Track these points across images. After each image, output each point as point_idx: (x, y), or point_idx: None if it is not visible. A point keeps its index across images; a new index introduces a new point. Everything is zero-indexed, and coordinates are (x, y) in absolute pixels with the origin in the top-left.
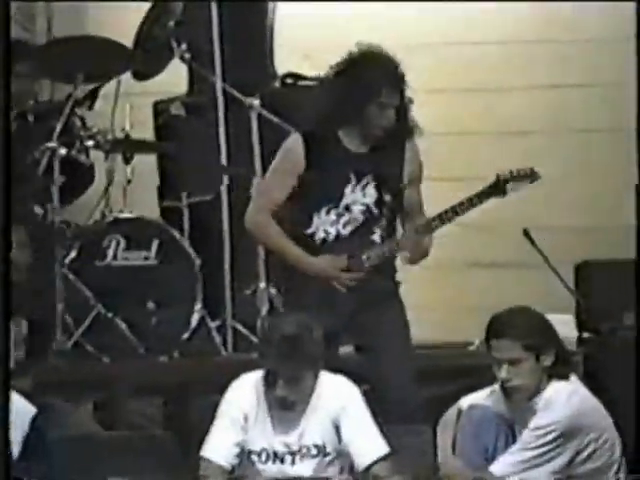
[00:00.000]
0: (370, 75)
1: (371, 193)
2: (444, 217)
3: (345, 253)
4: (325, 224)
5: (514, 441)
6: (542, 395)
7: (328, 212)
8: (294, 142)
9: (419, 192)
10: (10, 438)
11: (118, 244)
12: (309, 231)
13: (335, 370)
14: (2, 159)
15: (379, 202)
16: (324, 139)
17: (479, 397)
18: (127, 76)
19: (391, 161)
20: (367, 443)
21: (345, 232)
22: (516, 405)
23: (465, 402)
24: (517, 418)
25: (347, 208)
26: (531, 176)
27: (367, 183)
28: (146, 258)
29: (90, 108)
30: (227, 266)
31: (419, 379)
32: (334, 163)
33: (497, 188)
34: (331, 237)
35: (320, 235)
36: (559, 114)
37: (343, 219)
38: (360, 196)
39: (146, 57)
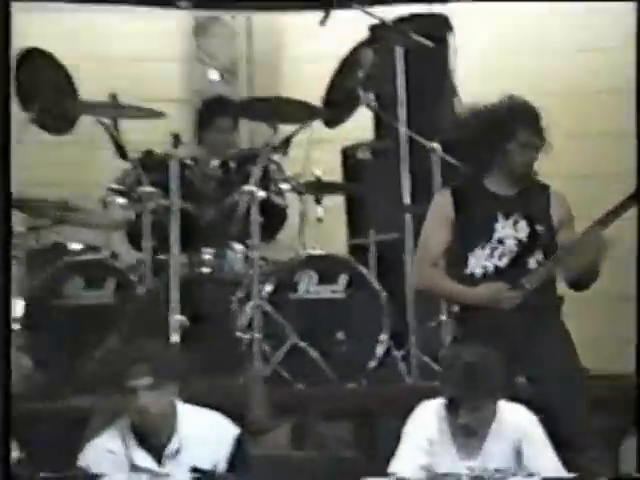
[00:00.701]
0: (507, 115)
1: (522, 227)
2: (604, 220)
3: (505, 282)
4: (481, 259)
5: None
6: None
7: (483, 247)
8: (443, 197)
9: (573, 232)
10: (9, 439)
11: (310, 279)
12: (468, 271)
13: (511, 399)
14: (2, 160)
15: (532, 234)
16: (471, 190)
17: None
18: (319, 124)
19: (538, 202)
20: (549, 469)
21: (502, 264)
22: None
23: None
24: None
25: (500, 241)
26: None
27: (517, 220)
28: (335, 292)
29: (285, 154)
30: (410, 299)
31: (593, 408)
32: (482, 208)
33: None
34: (490, 270)
35: (479, 271)
36: None
37: (498, 252)
38: (512, 231)
39: (336, 106)
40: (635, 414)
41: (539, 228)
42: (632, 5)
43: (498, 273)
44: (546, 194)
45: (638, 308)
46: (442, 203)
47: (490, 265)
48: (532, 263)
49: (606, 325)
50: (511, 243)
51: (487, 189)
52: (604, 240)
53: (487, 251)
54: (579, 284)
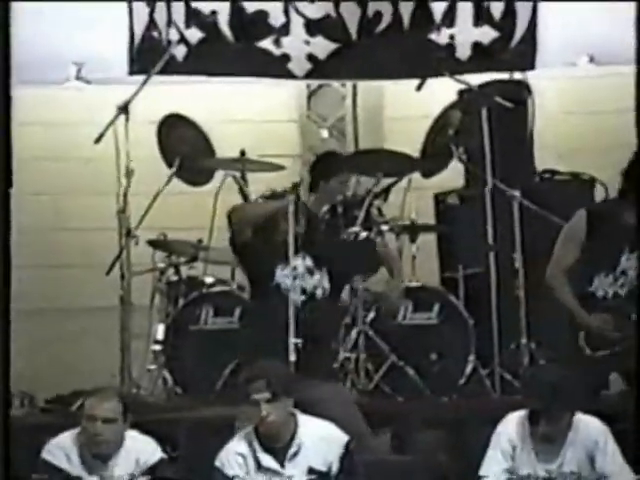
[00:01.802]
0: None
1: None
2: None
3: (621, 310)
4: (604, 285)
5: None
6: None
7: (607, 275)
8: (580, 218)
9: None
10: (8, 439)
11: (407, 308)
12: (591, 289)
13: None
14: (2, 161)
15: None
16: (607, 216)
17: None
18: (416, 175)
19: None
20: (618, 473)
21: (622, 292)
22: None
23: None
24: None
25: (623, 272)
26: None
27: None
28: (429, 318)
29: (385, 200)
30: (495, 325)
31: None
32: (612, 235)
33: None
34: (610, 295)
35: (600, 293)
36: None
37: (620, 281)
38: (634, 263)
39: (431, 160)
40: (635, 414)
41: None
42: (633, 3)
43: (616, 299)
44: None
45: (638, 307)
46: (578, 223)
47: (611, 291)
48: None
49: None
50: (633, 274)
51: (621, 216)
52: None
53: (610, 279)
54: None
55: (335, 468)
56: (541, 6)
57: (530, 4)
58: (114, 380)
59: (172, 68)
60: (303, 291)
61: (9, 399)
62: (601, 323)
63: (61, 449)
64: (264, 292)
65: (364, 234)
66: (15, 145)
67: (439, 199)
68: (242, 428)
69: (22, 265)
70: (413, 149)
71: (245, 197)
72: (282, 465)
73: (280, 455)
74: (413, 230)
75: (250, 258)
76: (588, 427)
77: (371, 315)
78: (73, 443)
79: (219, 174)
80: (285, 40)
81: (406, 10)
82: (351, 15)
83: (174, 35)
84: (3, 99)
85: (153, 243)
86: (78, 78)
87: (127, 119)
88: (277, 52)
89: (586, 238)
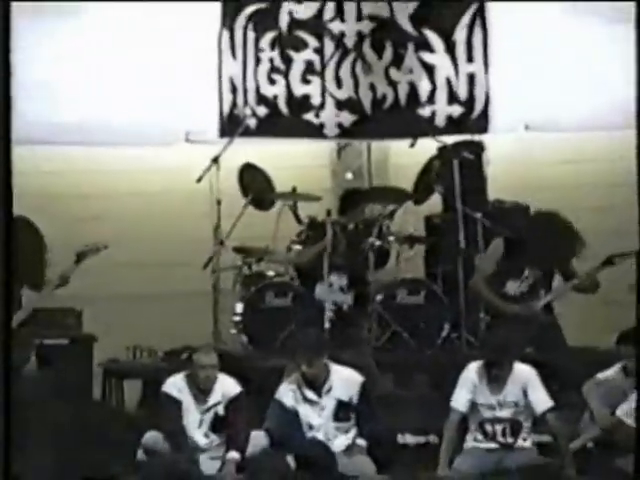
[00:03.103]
0: None
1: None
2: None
3: (524, 301)
4: (513, 287)
5: None
6: None
7: (514, 281)
8: (498, 243)
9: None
10: (10, 439)
11: (404, 292)
12: (504, 290)
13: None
14: (3, 162)
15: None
16: (517, 242)
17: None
18: (410, 203)
19: None
20: (542, 401)
21: (524, 291)
22: None
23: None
24: None
25: (526, 278)
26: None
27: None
28: (418, 300)
29: (391, 219)
30: (462, 304)
31: None
32: (519, 255)
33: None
34: (517, 293)
35: (510, 292)
36: None
37: (523, 284)
38: (532, 273)
39: (421, 193)
40: (635, 415)
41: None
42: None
43: (521, 295)
44: None
45: (638, 308)
46: (495, 247)
47: (518, 291)
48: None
49: None
50: (531, 281)
51: (529, 245)
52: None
53: (517, 283)
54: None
55: (355, 399)
56: (492, 88)
57: (484, 91)
58: (208, 338)
59: (247, 133)
60: (341, 289)
61: (9, 399)
62: (511, 309)
63: (175, 385)
64: (309, 284)
65: (378, 243)
66: (152, 179)
67: (427, 219)
68: (291, 373)
69: (141, 263)
70: (408, 186)
71: (297, 218)
72: (320, 397)
73: (318, 390)
74: (411, 240)
75: (302, 271)
76: (522, 371)
77: (379, 297)
78: (183, 381)
79: (279, 203)
80: (322, 113)
81: (403, 93)
82: (366, 97)
83: (249, 111)
84: (3, 97)
85: (236, 249)
86: (187, 140)
87: (218, 167)
88: (316, 122)
89: (501, 257)
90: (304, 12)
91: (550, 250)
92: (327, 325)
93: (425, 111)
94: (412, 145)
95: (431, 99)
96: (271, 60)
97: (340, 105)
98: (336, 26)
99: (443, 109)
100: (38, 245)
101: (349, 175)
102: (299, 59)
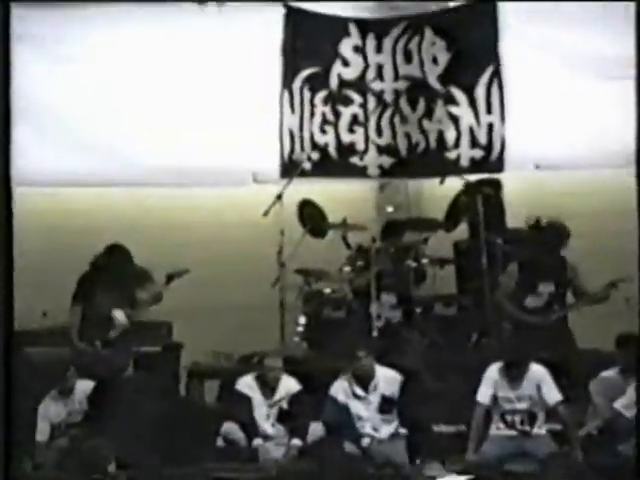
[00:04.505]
0: None
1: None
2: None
3: (542, 314)
4: (531, 302)
5: None
6: None
7: (531, 296)
8: (514, 266)
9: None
10: (9, 439)
11: (437, 304)
12: (525, 304)
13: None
14: (3, 163)
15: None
16: (530, 262)
17: None
18: (441, 231)
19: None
20: (554, 397)
21: (540, 304)
22: None
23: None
24: None
25: (540, 294)
26: None
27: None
28: (451, 311)
29: (425, 244)
30: (488, 316)
31: None
32: (534, 273)
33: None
34: (533, 306)
35: (530, 306)
36: None
37: (539, 299)
38: (547, 288)
39: (451, 222)
40: (635, 415)
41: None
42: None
43: (536, 308)
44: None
45: (637, 308)
46: (512, 269)
47: (533, 305)
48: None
49: None
50: (546, 296)
51: (541, 263)
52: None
53: (534, 298)
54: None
55: (396, 395)
56: (507, 135)
57: (501, 137)
58: (275, 345)
59: (304, 174)
60: (391, 306)
61: (9, 399)
62: (529, 320)
63: (247, 384)
64: (361, 300)
65: (414, 264)
66: (228, 213)
67: (456, 244)
68: (345, 372)
69: (219, 283)
70: (439, 216)
71: (347, 244)
72: (367, 393)
73: (366, 388)
74: (441, 262)
75: (358, 289)
76: (536, 370)
77: (419, 310)
78: (253, 380)
79: (331, 232)
80: (365, 157)
81: (433, 139)
82: (402, 143)
83: (305, 156)
84: (3, 97)
85: (297, 270)
86: (254, 181)
87: (281, 203)
88: (360, 164)
89: (517, 277)
90: (350, 74)
91: (555, 259)
92: (375, 334)
93: (452, 154)
94: (441, 182)
95: (456, 144)
96: (323, 114)
97: (381, 150)
98: (377, 85)
99: (467, 152)
100: (131, 269)
101: (390, 208)
102: (346, 113)
